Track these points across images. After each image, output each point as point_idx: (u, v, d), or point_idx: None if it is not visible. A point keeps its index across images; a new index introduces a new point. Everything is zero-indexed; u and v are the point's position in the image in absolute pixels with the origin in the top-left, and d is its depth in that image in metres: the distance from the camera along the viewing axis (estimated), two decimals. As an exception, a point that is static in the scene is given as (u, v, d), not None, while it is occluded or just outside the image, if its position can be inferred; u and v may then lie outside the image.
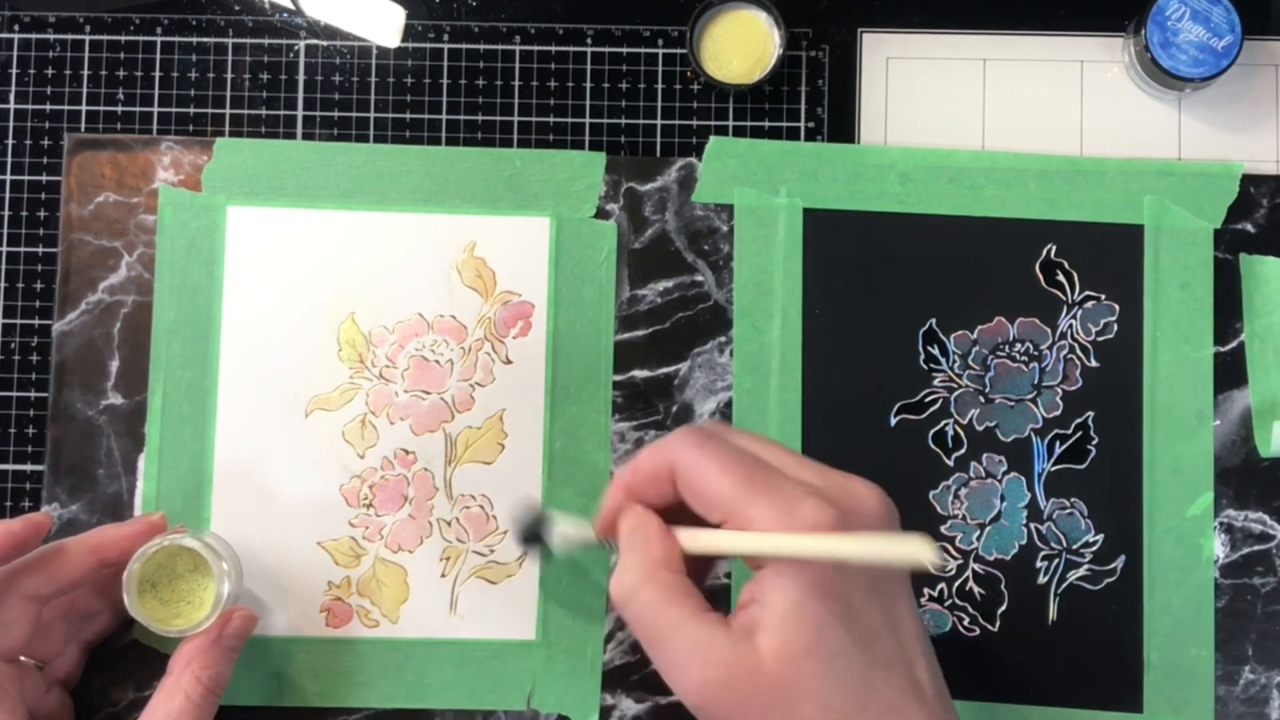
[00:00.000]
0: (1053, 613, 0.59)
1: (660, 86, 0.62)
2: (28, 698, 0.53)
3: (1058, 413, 0.60)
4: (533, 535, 0.53)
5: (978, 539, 0.59)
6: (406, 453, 0.60)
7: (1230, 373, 0.60)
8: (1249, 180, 0.60)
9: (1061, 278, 0.60)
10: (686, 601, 0.44)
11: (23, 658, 0.54)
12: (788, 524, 0.42)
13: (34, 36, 0.62)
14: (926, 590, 0.59)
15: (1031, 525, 0.59)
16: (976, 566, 0.59)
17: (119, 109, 0.62)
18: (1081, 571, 0.59)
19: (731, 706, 0.42)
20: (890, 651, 0.43)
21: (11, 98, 0.62)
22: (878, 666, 0.42)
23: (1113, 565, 0.59)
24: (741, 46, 0.61)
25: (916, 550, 0.41)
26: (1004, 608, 0.59)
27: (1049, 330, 0.60)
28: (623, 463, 0.60)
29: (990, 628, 0.59)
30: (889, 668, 0.43)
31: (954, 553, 0.59)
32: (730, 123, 0.62)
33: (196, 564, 0.55)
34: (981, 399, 0.60)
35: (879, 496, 0.45)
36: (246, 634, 0.55)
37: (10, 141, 0.62)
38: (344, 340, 0.60)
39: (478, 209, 0.61)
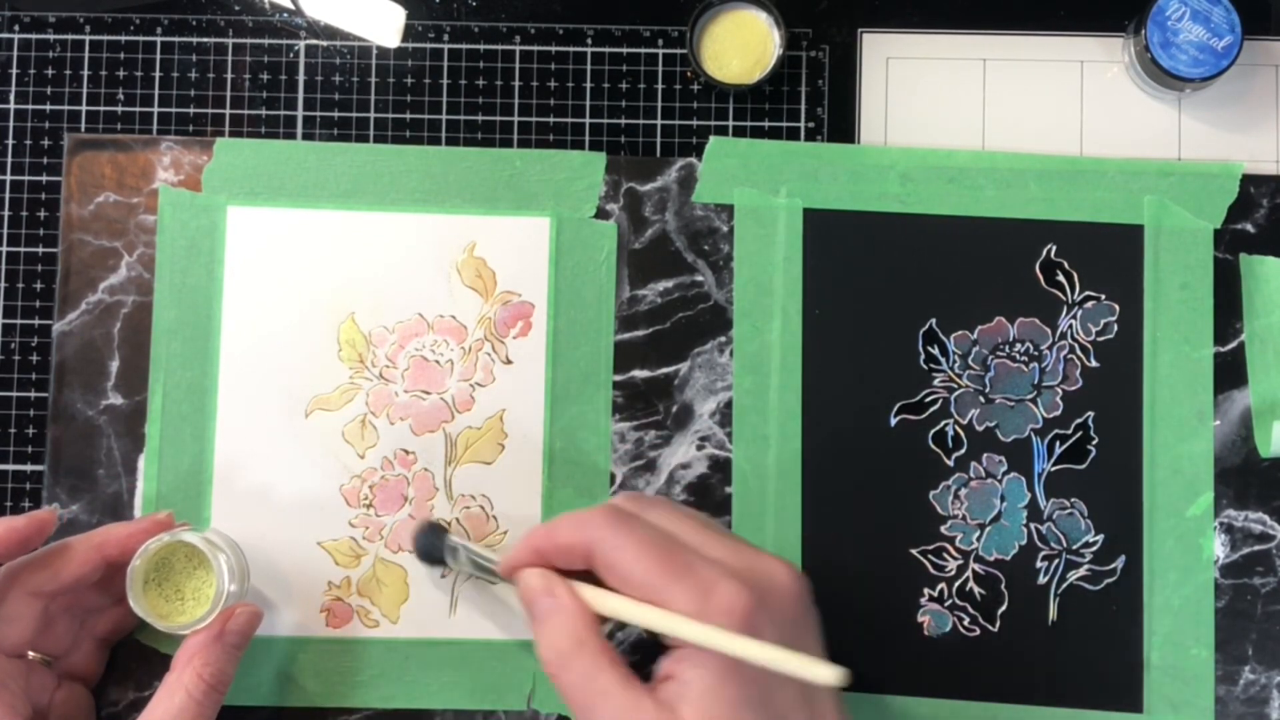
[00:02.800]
0: (1053, 613, 0.59)
1: (660, 86, 0.62)
2: (34, 693, 0.54)
3: (1058, 413, 0.60)
4: (430, 553, 0.56)
5: (978, 539, 0.59)
6: (406, 453, 0.60)
7: (1230, 373, 0.60)
8: (1249, 180, 0.60)
9: (1061, 278, 0.60)
10: (614, 670, 0.46)
11: (31, 653, 0.54)
12: (704, 608, 0.45)
13: (34, 36, 0.62)
14: (927, 590, 0.59)
15: (1031, 525, 0.59)
16: (976, 566, 0.59)
17: (119, 109, 0.62)
18: (1081, 571, 0.59)
19: None
20: None
21: (11, 98, 0.62)
22: None
23: (1113, 565, 0.59)
24: (741, 46, 0.61)
25: (816, 672, 0.44)
26: (1004, 608, 0.59)
27: (1049, 330, 0.60)
28: (622, 464, 0.60)
29: (990, 628, 0.59)
30: None
31: (954, 553, 0.59)
32: (730, 123, 0.62)
33: (199, 560, 0.55)
34: (981, 399, 0.60)
35: (792, 576, 0.47)
36: (250, 631, 0.55)
37: (10, 141, 0.62)
38: (344, 340, 0.60)
39: (478, 209, 0.61)
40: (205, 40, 0.63)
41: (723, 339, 0.60)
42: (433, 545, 0.56)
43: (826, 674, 0.43)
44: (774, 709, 0.45)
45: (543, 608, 0.48)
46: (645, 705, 0.45)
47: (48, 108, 0.62)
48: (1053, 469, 0.59)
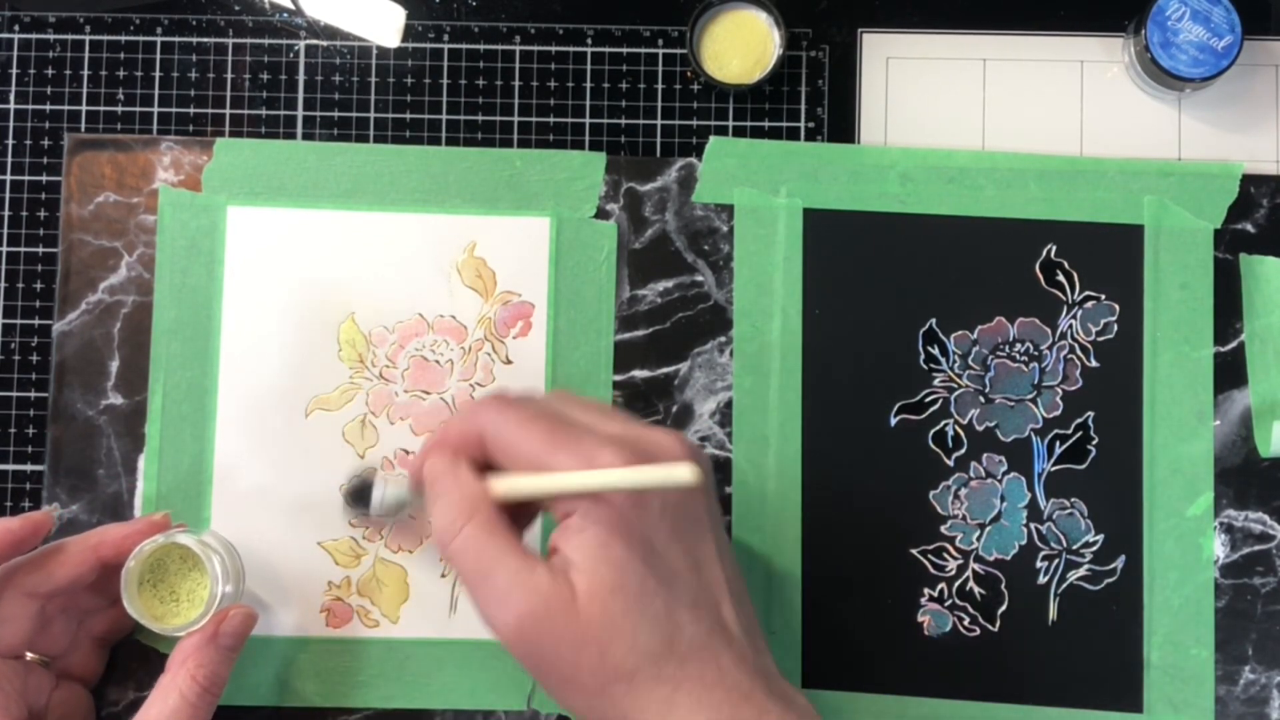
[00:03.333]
0: (1053, 613, 0.59)
1: (660, 86, 0.62)
2: (31, 694, 0.53)
3: (1058, 413, 0.60)
4: (357, 497, 0.57)
5: (978, 539, 0.59)
6: (406, 453, 0.60)
7: (1230, 373, 0.60)
8: (1249, 180, 0.60)
9: (1061, 278, 0.60)
10: (508, 535, 0.46)
11: (29, 655, 0.54)
12: (583, 469, 0.45)
13: (34, 36, 0.62)
14: (926, 590, 0.59)
15: (1031, 525, 0.59)
16: (976, 566, 0.59)
17: (119, 109, 0.62)
18: (1081, 571, 0.59)
19: (548, 642, 0.44)
20: (695, 591, 0.45)
21: (11, 98, 0.62)
22: (682, 605, 0.44)
23: (1113, 565, 0.59)
24: (741, 46, 0.61)
25: (677, 473, 0.44)
26: (1004, 608, 0.59)
27: (1049, 330, 0.60)
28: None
29: (990, 628, 0.59)
30: (694, 606, 0.45)
31: (954, 553, 0.59)
32: (730, 123, 0.62)
33: (193, 562, 0.55)
34: (981, 399, 0.60)
35: (678, 441, 0.47)
36: (244, 633, 0.55)
37: (10, 141, 0.62)
38: (344, 340, 0.60)
39: (478, 209, 0.61)
40: (205, 40, 0.63)
41: (723, 339, 0.60)
42: (360, 488, 0.57)
43: (685, 473, 0.43)
44: (662, 567, 0.45)
45: (440, 487, 0.47)
46: (538, 568, 0.44)
47: (48, 108, 0.62)
48: (1053, 469, 0.59)
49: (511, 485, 0.47)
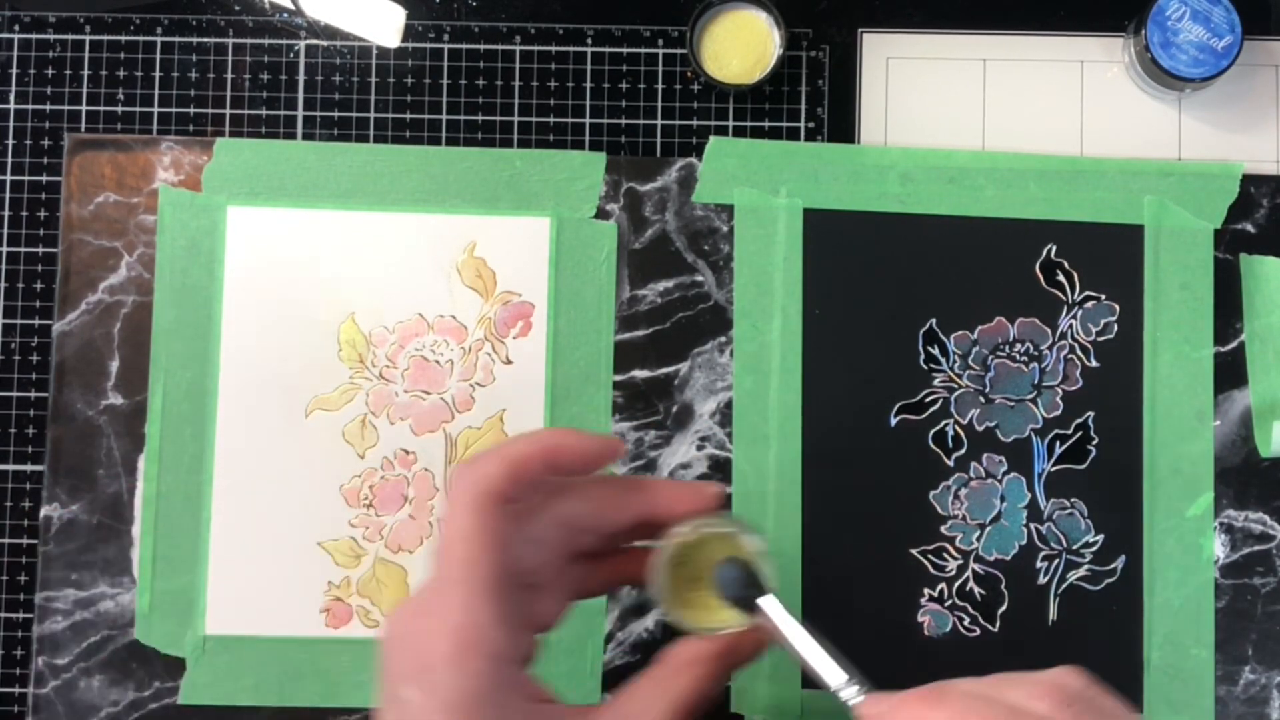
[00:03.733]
0: (1053, 613, 0.59)
1: (660, 86, 0.62)
2: (533, 624, 0.46)
3: (1058, 413, 0.60)
4: (739, 596, 0.45)
5: (978, 539, 0.59)
6: (406, 453, 0.60)
7: (1230, 373, 0.60)
8: (1249, 180, 0.60)
9: (1061, 278, 0.60)
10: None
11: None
12: None
13: (34, 36, 0.62)
14: (927, 590, 0.59)
15: (1031, 525, 0.59)
16: (976, 567, 0.59)
17: (119, 109, 0.62)
18: (1081, 571, 0.59)
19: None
20: None
21: (11, 98, 0.62)
22: None
23: (1113, 565, 0.59)
24: (741, 46, 0.61)
25: None
26: (1004, 608, 0.59)
27: (1049, 330, 0.60)
28: (622, 464, 0.60)
29: (990, 628, 0.59)
30: None
31: (954, 553, 0.59)
32: (730, 123, 0.62)
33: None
34: (981, 399, 0.60)
35: None
36: (754, 659, 0.46)
37: (10, 141, 0.62)
38: (344, 340, 0.60)
39: (478, 209, 0.61)
40: (205, 40, 0.63)
41: (723, 339, 0.60)
42: (741, 588, 0.45)
43: None
44: None
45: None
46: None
47: (48, 108, 0.62)
48: (1053, 469, 0.59)
49: None
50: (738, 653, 0.45)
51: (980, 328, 0.60)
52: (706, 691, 0.45)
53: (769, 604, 0.44)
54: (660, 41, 0.62)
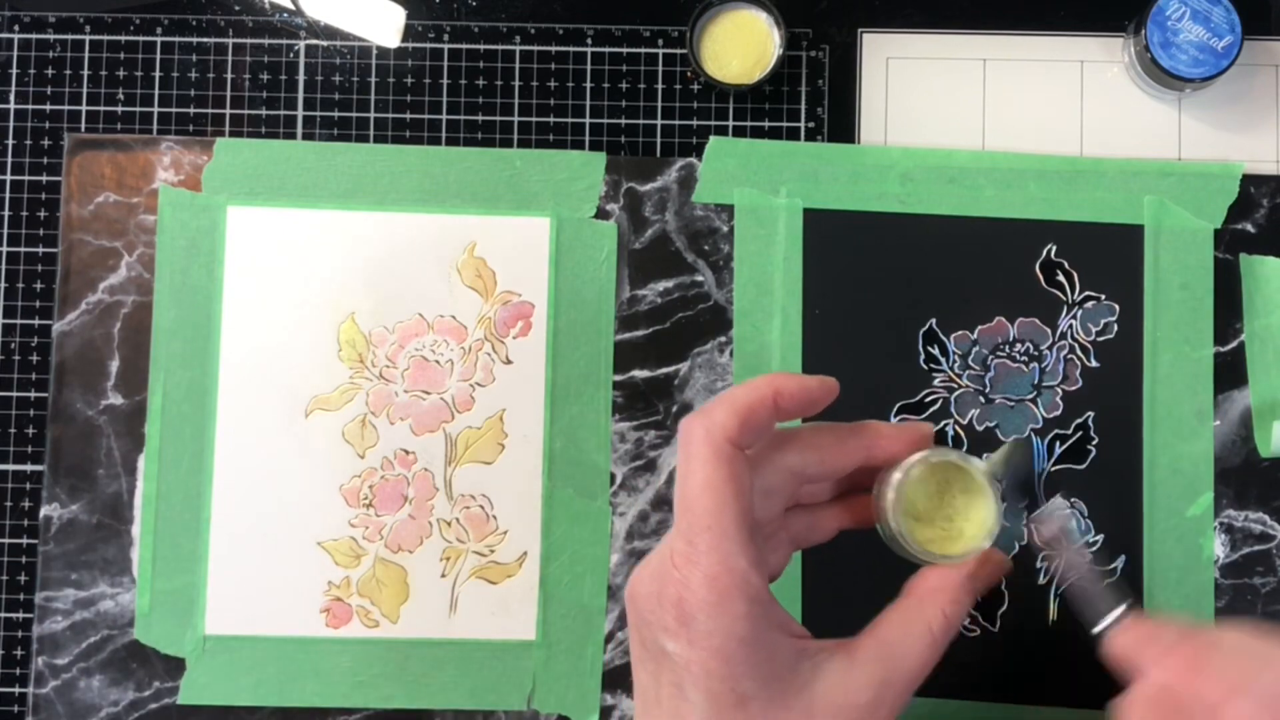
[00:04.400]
0: (1053, 613, 0.59)
1: (660, 86, 0.62)
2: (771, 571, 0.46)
3: (1058, 413, 0.60)
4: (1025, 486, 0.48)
5: (978, 539, 0.59)
6: (406, 453, 0.60)
7: (1230, 373, 0.60)
8: (1249, 180, 0.60)
9: (1061, 278, 0.60)
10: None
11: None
12: None
13: (34, 36, 0.62)
14: (926, 590, 0.59)
15: (1032, 525, 0.59)
16: (976, 566, 0.59)
17: (119, 109, 0.62)
18: (1081, 571, 0.59)
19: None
20: None
21: (11, 98, 0.62)
22: None
23: (1113, 565, 0.59)
24: (741, 46, 0.61)
25: None
26: (1004, 608, 0.59)
27: (1049, 330, 0.60)
28: (622, 464, 0.60)
29: (990, 628, 0.59)
30: None
31: (954, 553, 0.59)
32: (730, 123, 0.62)
33: (967, 488, 0.47)
34: (981, 399, 0.60)
35: None
36: (997, 581, 0.48)
37: (10, 141, 0.62)
38: (344, 340, 0.60)
39: (478, 209, 0.61)
40: (205, 40, 0.63)
41: (723, 339, 0.60)
42: (1028, 486, 0.48)
43: None
44: None
45: None
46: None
47: (48, 108, 0.62)
48: (1053, 469, 0.59)
49: None
50: (980, 577, 0.46)
51: (980, 328, 0.60)
52: (957, 616, 0.45)
53: (1055, 508, 0.45)
54: (660, 41, 0.62)
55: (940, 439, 0.60)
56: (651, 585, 0.42)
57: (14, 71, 0.62)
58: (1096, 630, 0.45)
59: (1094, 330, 0.60)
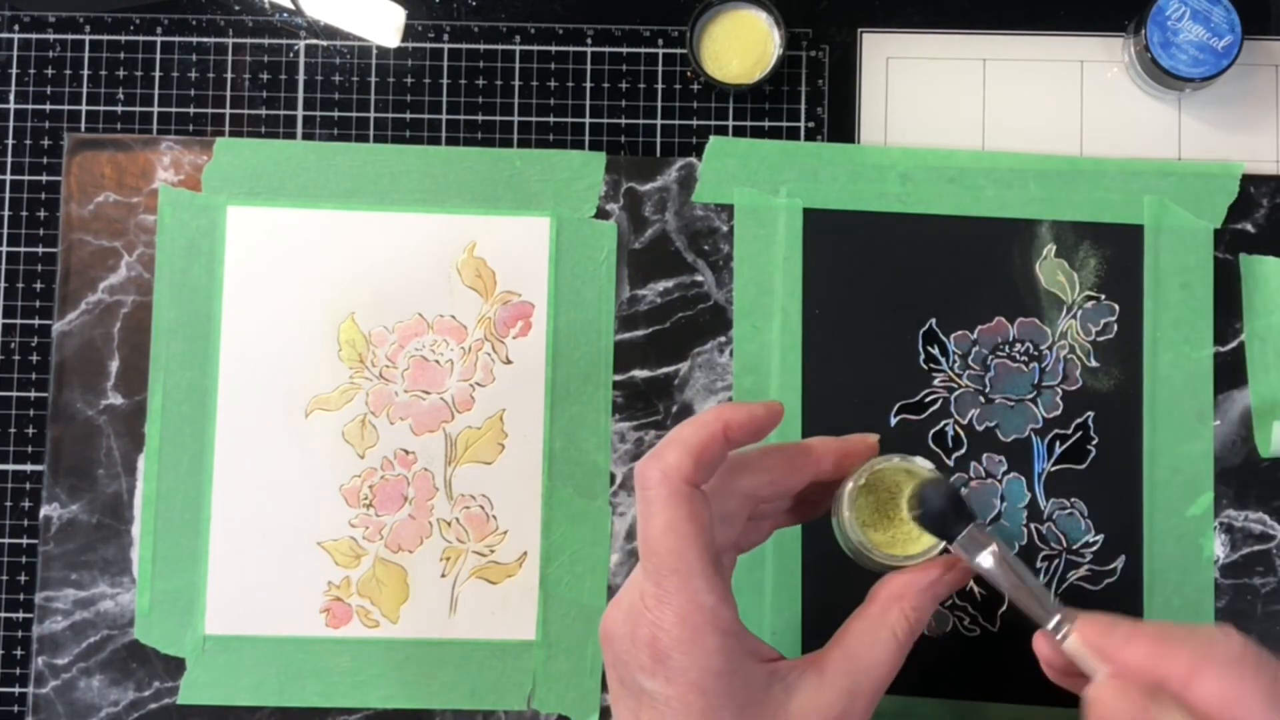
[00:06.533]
0: (1053, 613, 0.59)
1: (660, 86, 0.62)
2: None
3: (1058, 413, 0.60)
4: (942, 524, 0.47)
5: (978, 539, 0.59)
6: (406, 453, 0.60)
7: (1230, 373, 0.60)
8: (1249, 180, 0.60)
9: (1061, 277, 0.60)
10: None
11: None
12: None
13: (34, 36, 0.62)
14: (926, 590, 0.59)
15: (1031, 525, 0.59)
16: (976, 566, 0.59)
17: (119, 109, 0.62)
18: (1081, 571, 0.59)
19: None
20: None
21: (11, 98, 0.62)
22: None
23: (1113, 565, 0.59)
24: (741, 46, 0.61)
25: None
26: (1004, 608, 0.59)
27: (1049, 330, 0.60)
28: (622, 463, 0.60)
29: (990, 628, 0.59)
30: None
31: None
32: (730, 123, 0.62)
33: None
34: (981, 399, 0.60)
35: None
36: (961, 586, 0.48)
37: (10, 141, 0.62)
38: (344, 340, 0.60)
39: (478, 209, 0.61)
40: (205, 40, 0.63)
41: (723, 339, 0.60)
42: (946, 518, 0.46)
43: None
44: None
45: None
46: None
47: (48, 108, 0.62)
48: (1053, 469, 0.59)
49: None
50: (943, 583, 0.47)
51: (980, 328, 0.60)
52: (919, 621, 0.46)
53: (972, 534, 0.46)
54: (660, 41, 0.62)
55: (940, 439, 0.60)
56: (625, 626, 0.44)
57: (14, 71, 0.62)
58: (1047, 629, 0.45)
59: (1094, 330, 0.60)
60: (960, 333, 0.60)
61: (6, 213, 0.62)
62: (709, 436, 0.44)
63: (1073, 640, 0.44)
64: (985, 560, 0.45)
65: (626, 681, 0.44)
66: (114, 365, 0.60)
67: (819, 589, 0.59)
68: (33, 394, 0.61)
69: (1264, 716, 0.41)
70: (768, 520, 0.50)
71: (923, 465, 0.48)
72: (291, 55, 0.63)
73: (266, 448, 0.60)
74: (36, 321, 0.61)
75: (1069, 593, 0.59)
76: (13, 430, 0.61)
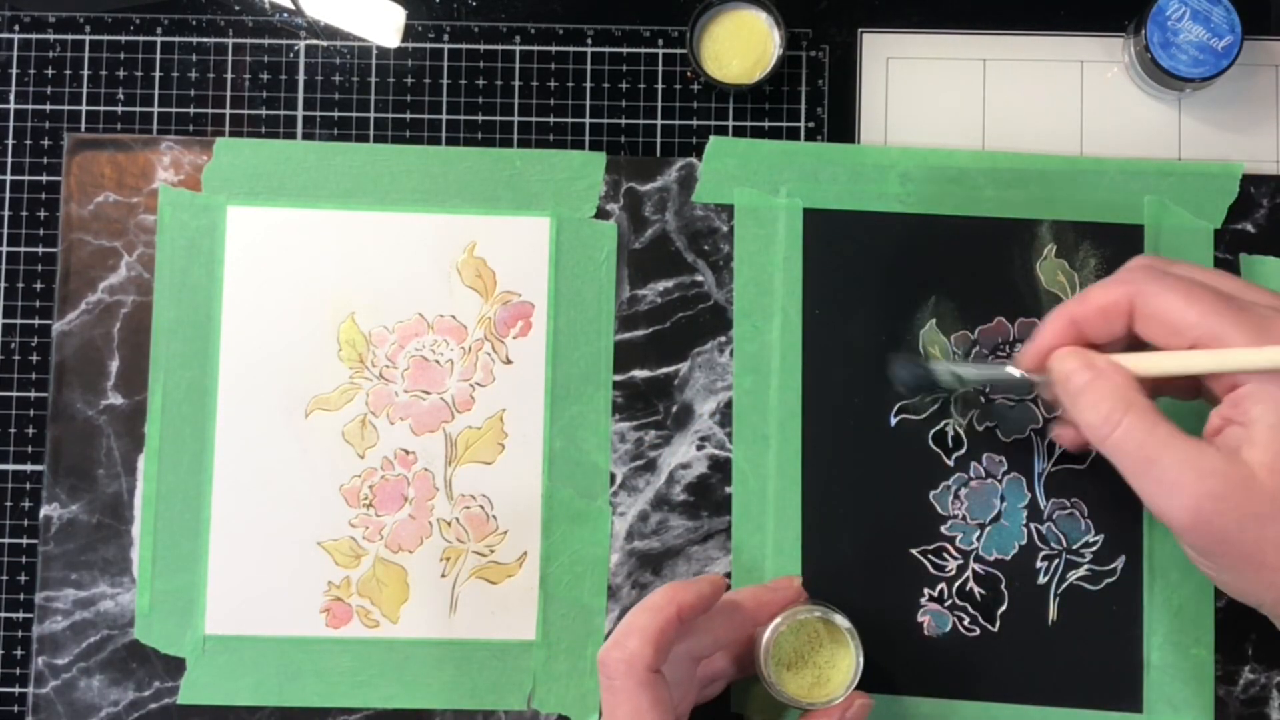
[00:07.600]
0: (1053, 613, 0.59)
1: (660, 86, 0.62)
2: None
3: (1058, 412, 0.60)
4: (916, 382, 0.56)
5: (978, 539, 0.59)
6: (406, 453, 0.60)
7: (1230, 373, 0.60)
8: (1249, 180, 0.60)
9: (1062, 278, 0.60)
10: (1168, 422, 0.45)
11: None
12: (1262, 341, 0.43)
13: (34, 36, 0.62)
14: (926, 590, 0.59)
15: (1031, 525, 0.59)
16: (976, 567, 0.59)
17: (119, 109, 0.62)
18: (1081, 571, 0.59)
19: (1229, 519, 0.43)
20: None
21: (11, 98, 0.62)
22: None
23: (1113, 565, 0.59)
24: (741, 46, 0.61)
25: None
26: (1004, 608, 0.59)
27: (1049, 330, 0.60)
28: (622, 463, 0.60)
29: (990, 628, 0.59)
30: None
31: (954, 553, 0.59)
32: (730, 123, 0.62)
33: (834, 638, 0.54)
34: (981, 399, 0.60)
35: None
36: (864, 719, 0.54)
37: (10, 141, 0.62)
38: (344, 340, 0.60)
39: (478, 209, 0.61)
40: (205, 40, 0.63)
41: (723, 339, 0.60)
42: (916, 373, 0.57)
43: None
44: None
45: (1081, 380, 0.47)
46: (1207, 450, 0.44)
47: (48, 108, 0.62)
48: (1053, 469, 0.59)
49: (1167, 367, 0.46)
50: (849, 718, 0.53)
51: (980, 328, 0.60)
52: None
53: (941, 367, 0.55)
54: (660, 41, 0.62)
55: (940, 439, 0.60)
56: None
57: (14, 71, 0.62)
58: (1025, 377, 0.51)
59: (1094, 330, 0.60)
60: (960, 333, 0.60)
61: (6, 213, 0.62)
62: (665, 622, 0.48)
63: (1050, 363, 0.50)
64: (949, 379, 0.55)
65: None
66: (114, 365, 0.60)
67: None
68: (33, 394, 0.61)
69: (1213, 308, 0.45)
70: (719, 679, 0.55)
71: (840, 619, 0.53)
72: (291, 55, 0.63)
73: (266, 448, 0.60)
74: (36, 321, 0.61)
75: (1069, 592, 0.59)
76: (13, 430, 0.61)
